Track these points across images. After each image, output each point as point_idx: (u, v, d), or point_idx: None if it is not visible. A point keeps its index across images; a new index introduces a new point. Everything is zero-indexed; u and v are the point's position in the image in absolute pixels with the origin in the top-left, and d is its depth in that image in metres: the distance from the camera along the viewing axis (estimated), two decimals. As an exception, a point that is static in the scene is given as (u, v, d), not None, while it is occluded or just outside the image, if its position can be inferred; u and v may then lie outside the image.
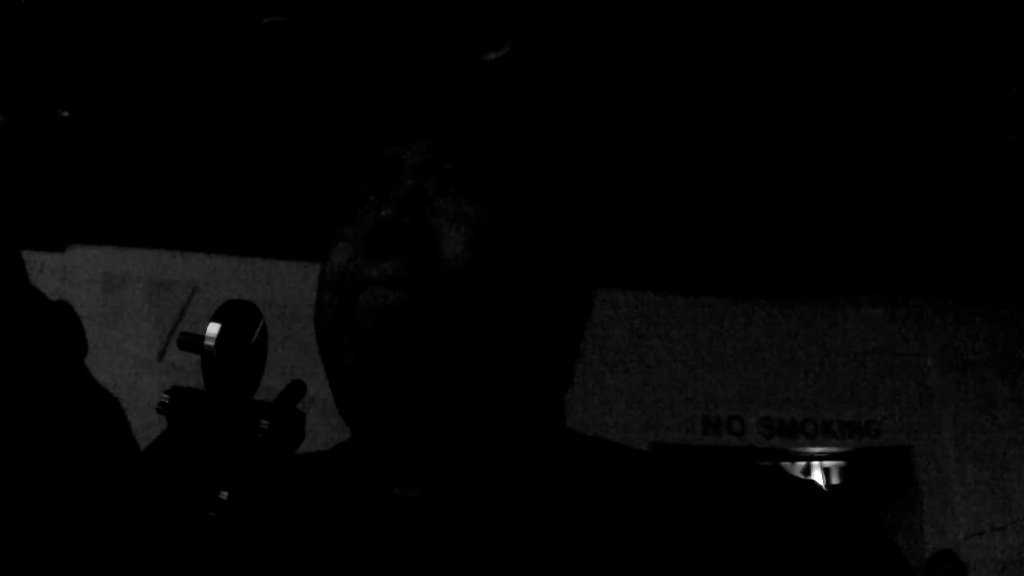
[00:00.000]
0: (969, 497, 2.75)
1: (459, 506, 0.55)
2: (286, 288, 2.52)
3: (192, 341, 0.56)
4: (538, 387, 0.61)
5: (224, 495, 0.49)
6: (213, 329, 0.55)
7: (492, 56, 1.45)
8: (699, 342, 2.90)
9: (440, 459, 0.57)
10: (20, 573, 0.49)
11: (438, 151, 0.59)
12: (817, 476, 3.39)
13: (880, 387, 2.94)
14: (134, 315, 2.48)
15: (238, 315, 0.58)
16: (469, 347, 0.55)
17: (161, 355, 2.43)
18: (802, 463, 3.34)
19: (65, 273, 2.38)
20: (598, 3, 1.63)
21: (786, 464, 3.14)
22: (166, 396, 0.55)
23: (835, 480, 3.52)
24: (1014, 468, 2.83)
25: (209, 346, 0.55)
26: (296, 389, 0.57)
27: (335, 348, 0.58)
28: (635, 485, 0.55)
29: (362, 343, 0.55)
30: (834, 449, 2.92)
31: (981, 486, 2.79)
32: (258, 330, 0.60)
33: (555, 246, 0.62)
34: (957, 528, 2.67)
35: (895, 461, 2.89)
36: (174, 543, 0.48)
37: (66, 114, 1.51)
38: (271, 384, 0.58)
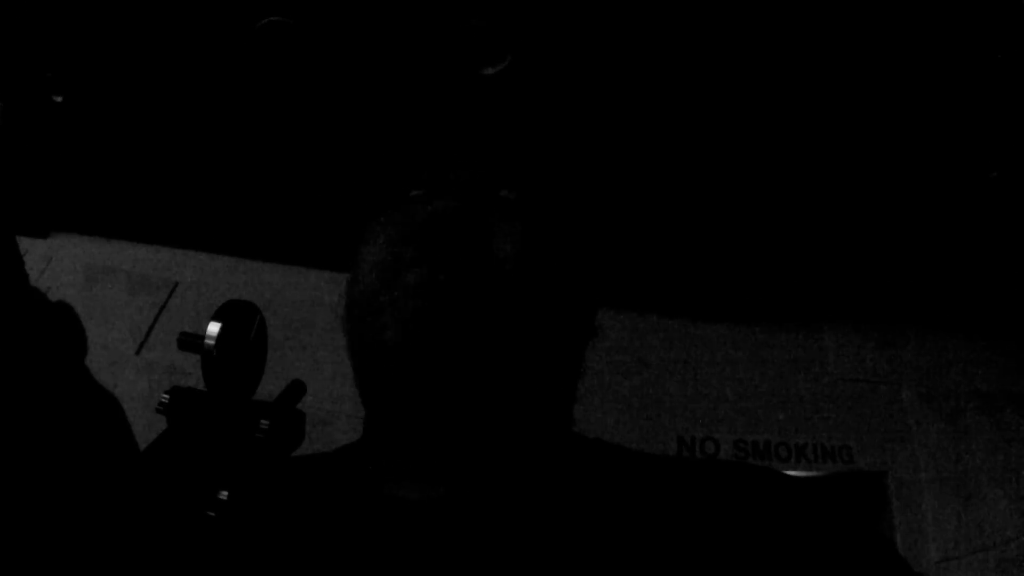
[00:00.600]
0: (943, 523, 2.78)
1: (466, 508, 0.56)
2: (272, 290, 2.50)
3: (192, 341, 0.55)
4: (557, 388, 0.63)
5: (224, 495, 0.49)
6: (213, 329, 0.55)
7: (490, 71, 1.46)
8: (676, 363, 2.90)
9: (454, 454, 0.58)
10: (21, 573, 0.48)
11: (487, 168, 0.63)
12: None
13: (855, 413, 2.96)
14: (114, 308, 2.44)
15: (238, 315, 0.57)
16: (508, 336, 0.57)
17: (139, 350, 2.40)
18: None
19: (47, 261, 2.35)
20: (603, 20, 1.65)
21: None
22: (166, 396, 0.54)
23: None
24: (988, 495, 2.86)
25: (209, 346, 0.54)
26: (296, 389, 0.57)
27: (373, 326, 0.58)
28: (641, 486, 0.56)
29: (405, 318, 0.56)
30: (808, 473, 2.94)
31: (955, 512, 2.81)
32: (257, 330, 0.59)
33: (583, 256, 0.66)
34: (930, 553, 2.70)
35: (869, 486, 2.91)
36: (174, 543, 0.47)
37: (59, 99, 1.50)
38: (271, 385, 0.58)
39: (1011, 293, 2.70)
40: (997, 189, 2.06)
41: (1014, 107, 1.85)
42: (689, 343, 3.03)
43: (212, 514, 0.49)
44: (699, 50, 1.77)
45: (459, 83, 1.79)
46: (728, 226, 2.47)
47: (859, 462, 2.96)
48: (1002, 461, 2.92)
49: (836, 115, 1.95)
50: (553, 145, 0.73)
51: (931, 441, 2.98)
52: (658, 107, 1.96)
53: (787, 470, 3.13)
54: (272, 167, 2.27)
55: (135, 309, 2.47)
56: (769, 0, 1.64)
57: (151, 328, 2.45)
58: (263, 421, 0.53)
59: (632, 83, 1.88)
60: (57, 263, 2.38)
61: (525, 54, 1.68)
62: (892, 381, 3.09)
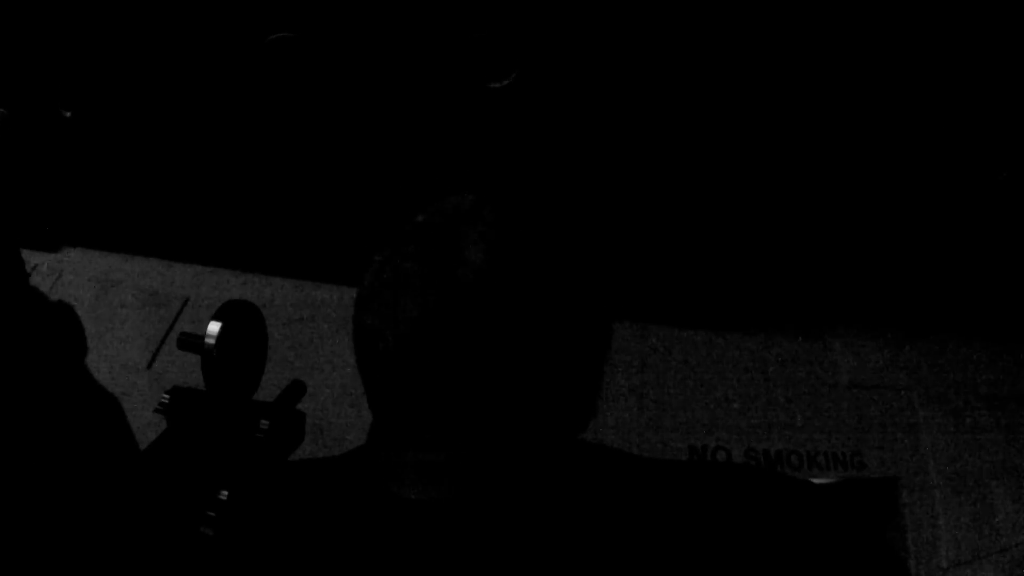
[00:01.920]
0: (955, 527, 2.74)
1: (468, 508, 0.56)
2: (282, 302, 2.51)
3: (192, 341, 0.56)
4: (554, 392, 0.62)
5: (224, 495, 0.48)
6: (213, 328, 0.55)
7: (496, 85, 1.46)
8: (684, 373, 2.89)
9: (455, 454, 0.58)
10: (22, 572, 0.49)
11: (477, 194, 0.65)
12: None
13: (865, 419, 2.93)
14: (125, 322, 2.45)
15: (238, 315, 0.58)
16: (491, 337, 0.57)
17: (150, 364, 2.41)
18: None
19: (58, 275, 2.37)
20: (605, 31, 1.65)
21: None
22: (166, 396, 0.54)
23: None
24: (1000, 497, 2.82)
25: (209, 345, 0.54)
26: (296, 389, 0.57)
27: (363, 326, 0.60)
28: (640, 489, 0.56)
29: (380, 305, 0.58)
30: (819, 480, 2.91)
31: (967, 516, 2.77)
32: (257, 330, 0.60)
33: (566, 267, 0.65)
34: (942, 558, 2.66)
35: (881, 492, 2.88)
36: (174, 543, 0.47)
37: (68, 115, 1.51)
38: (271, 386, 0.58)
39: (1019, 294, 2.68)
40: (1005, 191, 2.05)
41: (1021, 108, 1.84)
42: (696, 352, 3.02)
43: (212, 514, 0.49)
44: (699, 51, 1.78)
45: (465, 97, 1.80)
46: (733, 234, 2.46)
47: (870, 468, 2.93)
48: (1013, 463, 2.89)
49: (839, 119, 1.94)
50: (553, 155, 0.73)
51: (941, 445, 2.94)
52: (660, 113, 1.96)
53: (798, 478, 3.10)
54: (285, 182, 2.28)
55: (146, 324, 2.48)
56: (771, 5, 1.64)
57: (162, 343, 2.46)
58: (263, 421, 0.53)
59: (633, 89, 1.88)
60: (67, 277, 2.39)
61: (528, 65, 1.69)
62: (901, 386, 3.06)
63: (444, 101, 1.96)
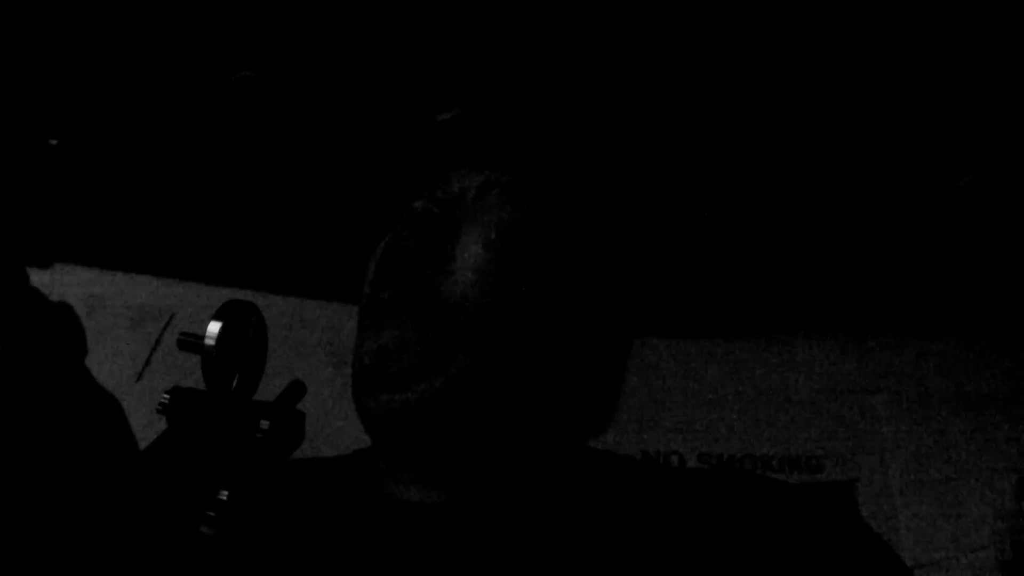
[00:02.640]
0: (917, 530, 2.70)
1: (466, 511, 0.56)
2: (270, 318, 2.50)
3: (192, 341, 0.56)
4: (554, 396, 0.61)
5: (224, 495, 0.48)
6: (213, 328, 0.55)
7: (444, 117, 1.49)
8: (637, 376, 2.86)
9: (453, 457, 0.58)
10: (22, 572, 0.48)
11: (484, 174, 0.63)
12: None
13: (825, 422, 2.88)
14: (114, 337, 2.46)
15: (238, 314, 0.58)
16: (479, 343, 0.57)
17: (139, 378, 2.41)
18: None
19: (49, 290, 2.35)
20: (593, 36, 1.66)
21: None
22: (166, 396, 0.54)
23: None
24: (966, 500, 2.78)
25: (209, 345, 0.55)
26: (296, 389, 0.57)
27: (357, 344, 0.60)
28: (646, 496, 0.56)
29: (373, 339, 0.58)
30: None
31: (930, 518, 2.73)
32: (258, 330, 0.60)
33: (571, 265, 0.63)
34: (904, 559, 2.65)
35: (838, 496, 2.83)
36: (174, 544, 0.47)
37: (55, 142, 1.51)
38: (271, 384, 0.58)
39: (980, 293, 2.68)
40: (968, 193, 2.07)
41: (985, 111, 1.85)
42: (651, 356, 2.96)
43: (212, 514, 0.49)
44: (665, 67, 1.78)
45: (415, 129, 1.81)
46: (691, 236, 2.44)
47: (829, 471, 2.88)
48: (975, 463, 2.85)
49: (800, 124, 1.94)
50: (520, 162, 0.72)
51: (903, 447, 2.91)
52: (630, 125, 1.97)
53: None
54: (272, 199, 2.29)
55: (134, 339, 2.48)
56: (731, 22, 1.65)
57: (149, 357, 2.45)
58: (263, 421, 0.53)
59: (604, 101, 1.89)
60: (59, 293, 2.39)
61: (471, 99, 1.70)
62: (863, 388, 3.03)
63: (398, 133, 1.97)
